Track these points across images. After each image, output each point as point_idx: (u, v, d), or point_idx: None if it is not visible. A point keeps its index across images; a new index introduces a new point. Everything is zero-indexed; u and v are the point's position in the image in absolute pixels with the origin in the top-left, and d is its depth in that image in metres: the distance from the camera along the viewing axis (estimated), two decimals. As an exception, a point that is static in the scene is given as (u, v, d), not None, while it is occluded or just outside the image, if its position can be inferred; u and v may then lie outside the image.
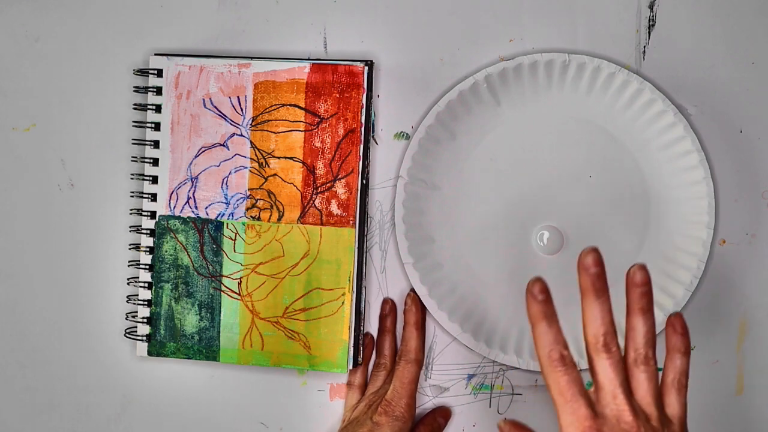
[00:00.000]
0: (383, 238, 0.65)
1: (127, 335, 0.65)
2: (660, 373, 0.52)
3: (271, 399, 0.65)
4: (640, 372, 0.50)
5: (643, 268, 0.49)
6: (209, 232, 0.63)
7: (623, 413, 0.48)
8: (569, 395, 0.48)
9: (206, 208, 0.64)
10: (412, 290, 0.64)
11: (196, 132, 0.64)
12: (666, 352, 0.52)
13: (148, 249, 0.64)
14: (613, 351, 0.49)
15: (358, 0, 0.64)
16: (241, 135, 0.63)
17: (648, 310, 0.50)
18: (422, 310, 0.63)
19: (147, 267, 0.64)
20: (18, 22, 0.66)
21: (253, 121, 0.63)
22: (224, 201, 0.63)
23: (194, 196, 0.64)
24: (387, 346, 0.64)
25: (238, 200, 0.63)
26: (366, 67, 0.62)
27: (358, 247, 0.62)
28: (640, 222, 0.64)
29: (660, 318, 0.62)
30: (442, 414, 0.64)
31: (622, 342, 0.51)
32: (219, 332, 0.63)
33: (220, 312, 0.63)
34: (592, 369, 0.50)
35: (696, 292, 0.63)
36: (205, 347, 0.64)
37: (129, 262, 0.65)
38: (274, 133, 0.63)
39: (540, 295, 0.49)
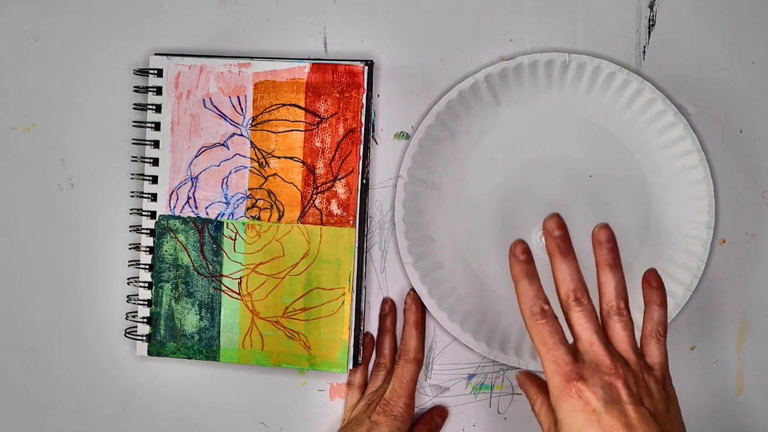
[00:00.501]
0: (383, 238, 0.65)
1: (127, 335, 0.65)
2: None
3: (271, 399, 0.65)
4: (615, 322, 0.53)
5: (605, 226, 0.53)
6: (209, 232, 0.63)
7: (601, 357, 0.51)
8: (551, 344, 0.51)
9: (206, 207, 0.64)
10: (412, 290, 0.64)
11: (196, 132, 0.64)
12: (644, 306, 0.55)
13: (148, 249, 0.64)
14: (584, 303, 0.52)
15: (358, 0, 0.64)
16: (241, 135, 0.63)
17: (615, 265, 0.53)
18: (422, 309, 0.63)
19: (147, 267, 0.64)
20: (18, 22, 0.66)
21: (253, 120, 0.63)
22: (224, 201, 0.63)
23: (194, 196, 0.64)
24: (387, 346, 0.64)
25: (238, 200, 0.63)
26: (366, 67, 0.62)
27: (358, 247, 0.62)
28: (640, 222, 0.64)
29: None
30: (440, 413, 0.64)
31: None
32: (219, 332, 0.63)
33: (220, 312, 0.63)
34: (569, 324, 0.53)
35: (696, 291, 0.63)
36: (205, 347, 0.64)
37: (129, 262, 0.65)
38: (274, 132, 0.63)
39: (522, 255, 0.53)
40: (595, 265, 0.54)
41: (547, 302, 0.53)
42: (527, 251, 0.53)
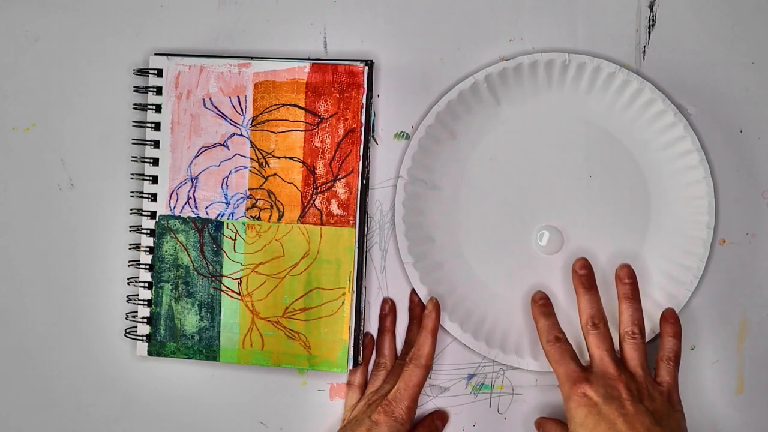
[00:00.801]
0: (383, 238, 0.65)
1: (127, 335, 0.65)
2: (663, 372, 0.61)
3: (271, 399, 0.65)
4: (628, 344, 0.60)
5: (627, 266, 0.62)
6: (209, 232, 0.63)
7: (608, 368, 0.58)
8: (562, 360, 0.59)
9: (206, 208, 0.64)
10: (414, 292, 0.64)
11: (196, 132, 0.64)
12: (660, 338, 0.61)
13: (148, 249, 0.64)
14: (600, 327, 0.60)
15: (358, 0, 0.64)
16: (241, 135, 0.63)
17: (633, 298, 0.61)
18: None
19: (147, 267, 0.64)
20: (18, 22, 0.66)
21: (253, 121, 0.63)
22: (224, 201, 0.63)
23: (194, 196, 0.64)
24: (387, 346, 0.64)
25: (238, 200, 0.63)
26: (366, 67, 0.62)
27: (358, 247, 0.62)
28: (640, 222, 0.64)
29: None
30: (440, 417, 0.64)
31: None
32: (219, 332, 0.63)
33: (220, 312, 0.63)
34: (587, 345, 0.60)
35: (696, 291, 0.63)
36: (205, 347, 0.64)
37: (129, 262, 0.65)
38: (274, 133, 0.63)
39: (540, 300, 0.63)
40: (617, 297, 0.62)
41: (562, 332, 0.61)
42: (545, 297, 0.63)
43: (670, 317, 0.62)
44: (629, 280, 0.61)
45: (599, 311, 0.61)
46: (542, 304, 0.63)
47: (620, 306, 0.61)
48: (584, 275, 0.62)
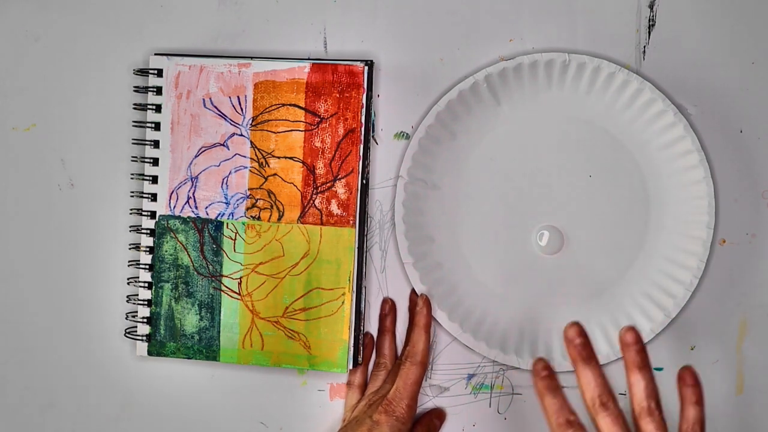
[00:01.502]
0: (383, 238, 0.65)
1: (127, 335, 0.65)
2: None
3: (271, 399, 0.65)
4: (646, 423, 0.52)
5: (632, 329, 0.54)
6: (209, 232, 0.63)
7: None
8: None
9: (206, 207, 0.64)
10: (414, 291, 0.64)
11: (196, 132, 0.64)
12: (680, 404, 0.54)
13: (148, 249, 0.64)
14: (610, 407, 0.52)
15: (358, 0, 0.64)
16: (241, 135, 0.63)
17: (644, 366, 0.53)
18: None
19: (147, 267, 0.64)
20: (18, 22, 0.66)
21: (253, 120, 0.63)
22: (224, 201, 0.63)
23: (194, 196, 0.64)
24: (387, 346, 0.64)
25: (238, 200, 0.63)
26: (366, 67, 0.62)
27: (358, 247, 0.62)
28: (640, 222, 0.64)
29: (660, 318, 0.62)
30: (438, 415, 0.64)
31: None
32: (219, 332, 0.63)
33: (220, 312, 0.63)
34: (597, 428, 0.53)
35: (696, 291, 0.63)
36: (205, 347, 0.64)
37: (129, 262, 0.65)
38: (274, 132, 0.63)
39: (543, 372, 0.55)
40: (624, 366, 0.54)
41: (573, 413, 0.54)
42: (548, 368, 0.55)
43: (690, 378, 0.54)
44: (638, 346, 0.54)
45: (606, 387, 0.53)
46: (546, 376, 0.55)
47: (630, 377, 0.54)
48: (581, 344, 0.54)
